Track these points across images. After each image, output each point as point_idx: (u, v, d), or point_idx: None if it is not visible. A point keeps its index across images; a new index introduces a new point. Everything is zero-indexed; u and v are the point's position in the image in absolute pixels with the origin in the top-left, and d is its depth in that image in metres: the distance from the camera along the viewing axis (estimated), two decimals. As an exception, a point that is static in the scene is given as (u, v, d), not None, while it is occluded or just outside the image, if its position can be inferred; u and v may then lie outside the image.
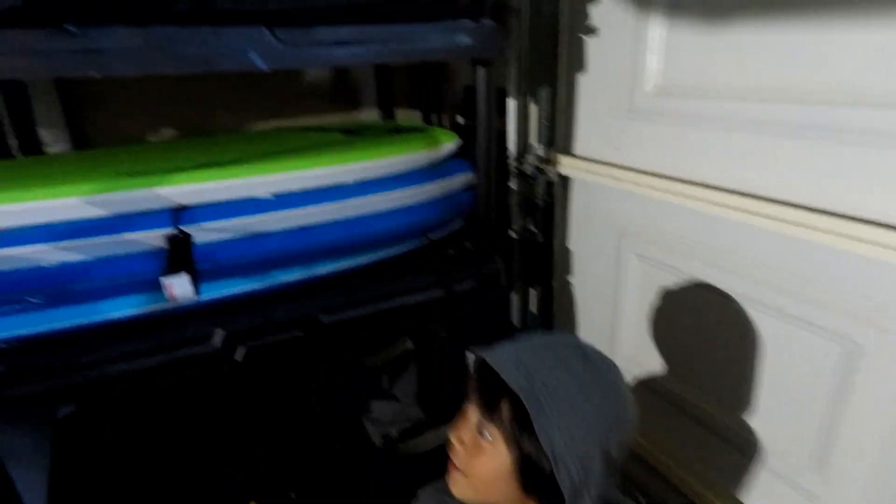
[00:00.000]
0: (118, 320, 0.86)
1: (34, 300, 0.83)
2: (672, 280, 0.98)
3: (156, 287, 0.86)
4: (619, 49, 0.96)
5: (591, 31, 1.01)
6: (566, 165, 1.12)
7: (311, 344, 0.93)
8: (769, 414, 0.87)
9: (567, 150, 1.14)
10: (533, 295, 1.30)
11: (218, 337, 0.87)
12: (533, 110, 1.14)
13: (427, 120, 1.54)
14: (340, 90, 1.52)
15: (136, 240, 0.86)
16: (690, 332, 0.97)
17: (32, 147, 1.20)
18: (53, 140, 1.24)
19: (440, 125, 1.57)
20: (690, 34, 0.84)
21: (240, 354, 0.88)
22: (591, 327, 1.22)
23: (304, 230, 0.97)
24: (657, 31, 0.89)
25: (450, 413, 1.17)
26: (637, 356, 1.10)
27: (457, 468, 0.61)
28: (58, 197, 0.83)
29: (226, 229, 0.91)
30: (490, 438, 0.57)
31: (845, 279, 0.72)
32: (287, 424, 1.13)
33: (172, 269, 0.84)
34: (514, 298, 1.33)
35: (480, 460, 0.58)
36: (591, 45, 1.02)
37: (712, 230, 0.88)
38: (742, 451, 0.91)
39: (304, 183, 0.96)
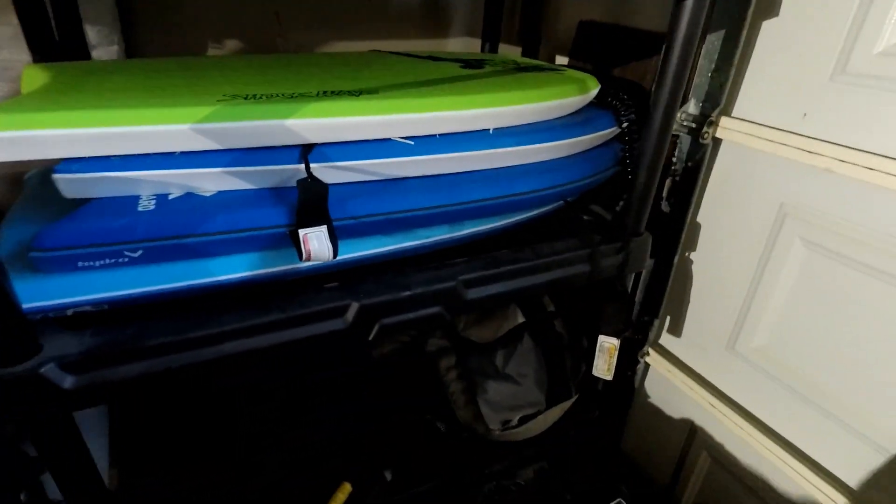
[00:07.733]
0: (231, 283, 0.70)
1: (131, 253, 0.65)
2: (848, 274, 0.86)
3: (277, 244, 0.70)
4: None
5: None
6: (728, 128, 0.96)
7: (446, 320, 0.79)
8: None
9: (727, 112, 0.98)
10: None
11: (351, 311, 0.72)
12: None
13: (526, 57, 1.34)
14: (428, 13, 1.30)
15: (263, 174, 0.69)
16: (856, 329, 0.87)
17: (77, 48, 0.96)
18: (101, 42, 1.01)
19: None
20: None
21: (374, 332, 0.74)
22: (707, 311, 1.11)
23: (442, 181, 0.81)
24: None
25: (563, 394, 1.06)
26: (771, 348, 1.00)
27: None
28: (166, 122, 0.64)
29: (360, 170, 0.74)
30: None
31: None
32: (392, 399, 1.01)
33: (307, 221, 0.68)
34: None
35: None
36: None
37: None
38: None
39: (449, 126, 0.78)
